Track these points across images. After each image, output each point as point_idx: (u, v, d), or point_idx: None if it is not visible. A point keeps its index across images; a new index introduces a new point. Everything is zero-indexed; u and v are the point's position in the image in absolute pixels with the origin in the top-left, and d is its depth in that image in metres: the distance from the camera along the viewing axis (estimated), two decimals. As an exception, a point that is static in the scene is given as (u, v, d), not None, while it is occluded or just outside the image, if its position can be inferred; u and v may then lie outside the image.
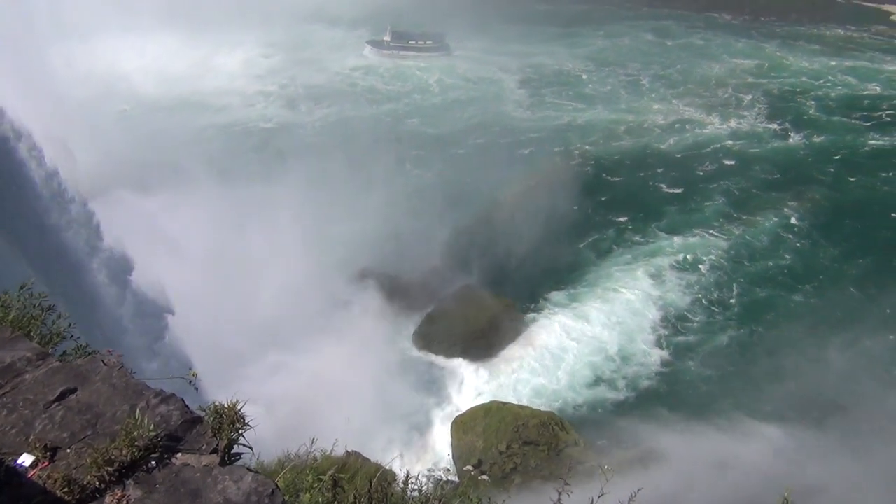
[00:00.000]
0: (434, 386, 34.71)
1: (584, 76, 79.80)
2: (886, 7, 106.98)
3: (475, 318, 37.06)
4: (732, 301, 40.80)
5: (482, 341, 36.53)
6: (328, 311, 35.51)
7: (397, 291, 38.11)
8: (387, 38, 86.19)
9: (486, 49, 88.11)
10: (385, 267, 39.68)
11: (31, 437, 4.38)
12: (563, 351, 36.71)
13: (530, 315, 39.36)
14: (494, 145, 59.94)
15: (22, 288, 6.35)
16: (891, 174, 54.52)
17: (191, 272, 31.19)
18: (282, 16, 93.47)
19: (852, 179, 54.06)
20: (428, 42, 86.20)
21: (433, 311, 37.91)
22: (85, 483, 4.08)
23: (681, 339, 37.81)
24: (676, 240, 46.39)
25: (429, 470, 27.85)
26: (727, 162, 57.31)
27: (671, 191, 52.82)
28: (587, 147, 59.68)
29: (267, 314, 33.62)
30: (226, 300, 32.85)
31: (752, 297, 41.08)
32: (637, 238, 46.88)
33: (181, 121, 62.46)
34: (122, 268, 26.17)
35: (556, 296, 41.03)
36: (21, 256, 22.07)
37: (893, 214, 48.98)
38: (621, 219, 48.79)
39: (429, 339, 36.63)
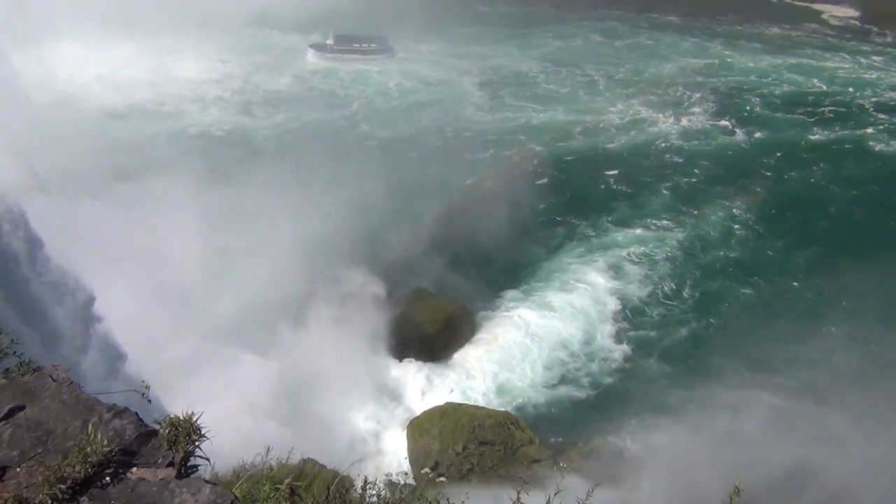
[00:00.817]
0: (389, 390, 34.37)
1: (541, 77, 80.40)
2: (817, 6, 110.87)
3: (430, 320, 36.89)
4: (686, 294, 41.84)
5: (437, 343, 36.43)
6: (278, 316, 34.96)
7: (349, 296, 37.54)
8: (330, 41, 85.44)
9: (437, 51, 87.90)
10: (335, 272, 39.09)
11: (-21, 457, 4.32)
12: (521, 348, 36.91)
13: (486, 313, 39.57)
14: (451, 148, 60.06)
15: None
16: (827, 168, 56.55)
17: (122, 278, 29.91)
18: (234, 20, 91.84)
19: (793, 174, 55.85)
20: (372, 45, 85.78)
21: (387, 315, 37.33)
22: (37, 502, 4.03)
23: (640, 332, 38.50)
24: (629, 233, 47.44)
25: (386, 474, 27.69)
26: (676, 159, 58.68)
27: (623, 188, 53.86)
28: (539, 148, 60.23)
29: (220, 321, 33.01)
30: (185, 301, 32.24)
31: (706, 290, 42.22)
32: (591, 233, 47.72)
33: (140, 127, 61.20)
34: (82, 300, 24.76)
35: (511, 293, 41.37)
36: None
37: (830, 208, 50.81)
38: (575, 217, 49.45)
39: (384, 342, 36.18)
